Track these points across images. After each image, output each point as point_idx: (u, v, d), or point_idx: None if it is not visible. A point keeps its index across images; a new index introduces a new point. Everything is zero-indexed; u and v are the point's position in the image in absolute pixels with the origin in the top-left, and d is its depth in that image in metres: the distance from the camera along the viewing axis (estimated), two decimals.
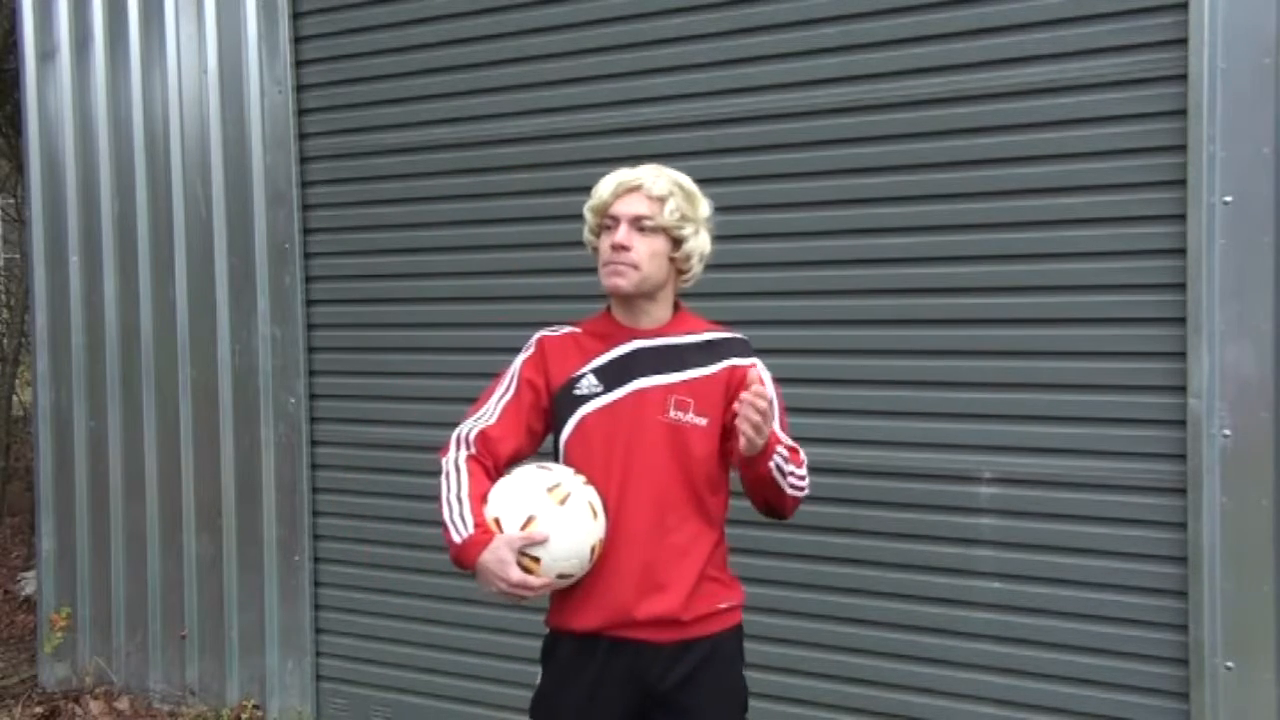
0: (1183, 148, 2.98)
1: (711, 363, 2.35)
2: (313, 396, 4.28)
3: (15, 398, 7.41)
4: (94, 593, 4.71)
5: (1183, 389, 3.01)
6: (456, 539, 2.20)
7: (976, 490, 3.28)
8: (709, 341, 2.39)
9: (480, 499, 2.24)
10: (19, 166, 6.47)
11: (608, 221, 2.35)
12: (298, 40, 4.21)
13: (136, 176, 4.53)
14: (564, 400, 2.36)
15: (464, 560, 2.20)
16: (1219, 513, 2.97)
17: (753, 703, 2.50)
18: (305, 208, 4.24)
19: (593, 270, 3.94)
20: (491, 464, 2.32)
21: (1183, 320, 3.00)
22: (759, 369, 2.36)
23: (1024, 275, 3.20)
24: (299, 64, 4.21)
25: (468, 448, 2.32)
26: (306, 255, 4.25)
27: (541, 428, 2.40)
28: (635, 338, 2.37)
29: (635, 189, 2.33)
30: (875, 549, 3.38)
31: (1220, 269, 2.94)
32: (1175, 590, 3.06)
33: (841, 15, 3.36)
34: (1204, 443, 2.98)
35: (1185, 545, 3.03)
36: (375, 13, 4.07)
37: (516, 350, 3.85)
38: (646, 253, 2.31)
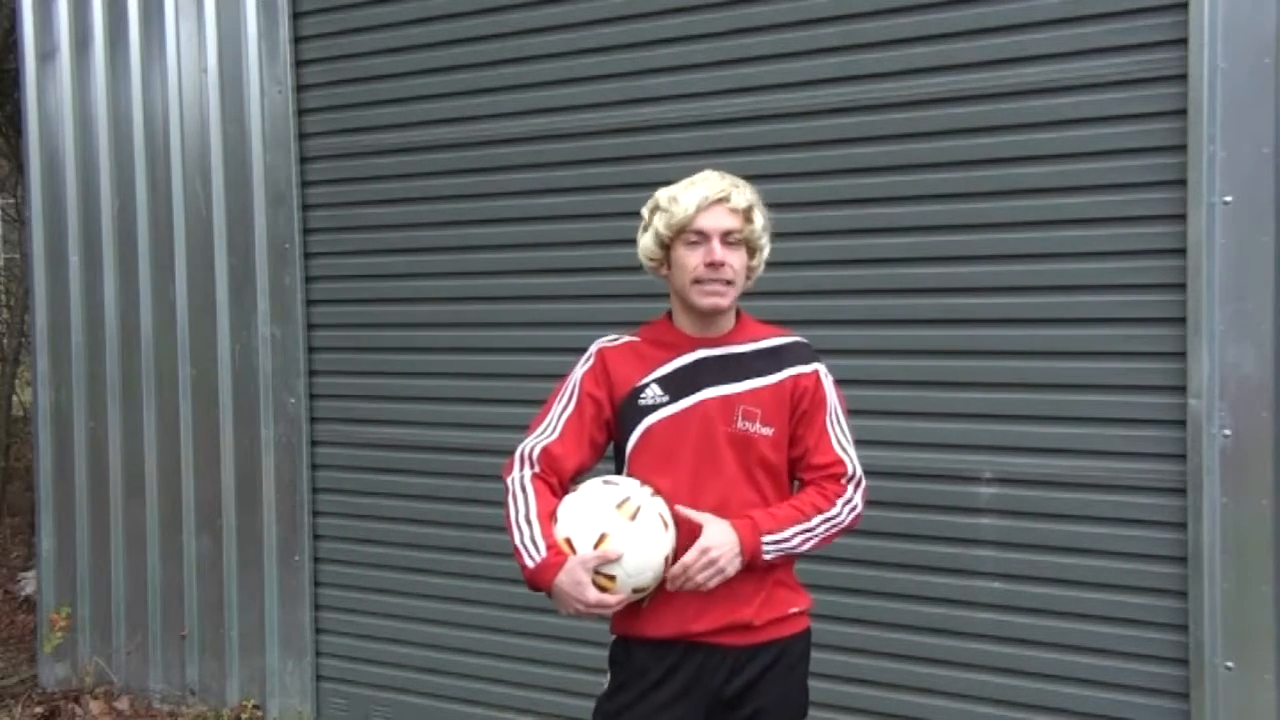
0: (1183, 148, 2.98)
1: (775, 371, 2.34)
2: (313, 396, 4.28)
3: (15, 398, 7.41)
4: (94, 593, 4.71)
5: (1183, 389, 3.01)
6: (530, 564, 2.18)
7: (977, 490, 3.28)
8: (772, 349, 2.37)
9: (549, 518, 2.23)
10: (19, 166, 6.46)
11: (692, 237, 2.27)
12: (298, 40, 4.21)
13: (136, 176, 4.52)
14: (628, 411, 2.33)
15: (539, 584, 2.18)
16: (1219, 513, 2.97)
17: None
18: (305, 208, 4.24)
19: (593, 270, 3.94)
20: (557, 481, 2.30)
21: (1183, 320, 3.00)
22: (821, 374, 2.37)
23: (1024, 275, 3.20)
24: (299, 64, 4.21)
25: (532, 466, 2.30)
26: (306, 255, 4.25)
27: (604, 439, 2.38)
28: (700, 347, 2.34)
29: (721, 201, 2.27)
30: (875, 549, 3.38)
31: (1220, 269, 2.94)
32: (1175, 590, 3.05)
33: (841, 15, 3.36)
34: (1204, 443, 2.98)
35: (1185, 545, 3.03)
36: (375, 13, 4.07)
37: (516, 350, 3.88)
38: (739, 267, 2.29)
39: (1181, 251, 2.99)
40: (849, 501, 2.35)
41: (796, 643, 2.39)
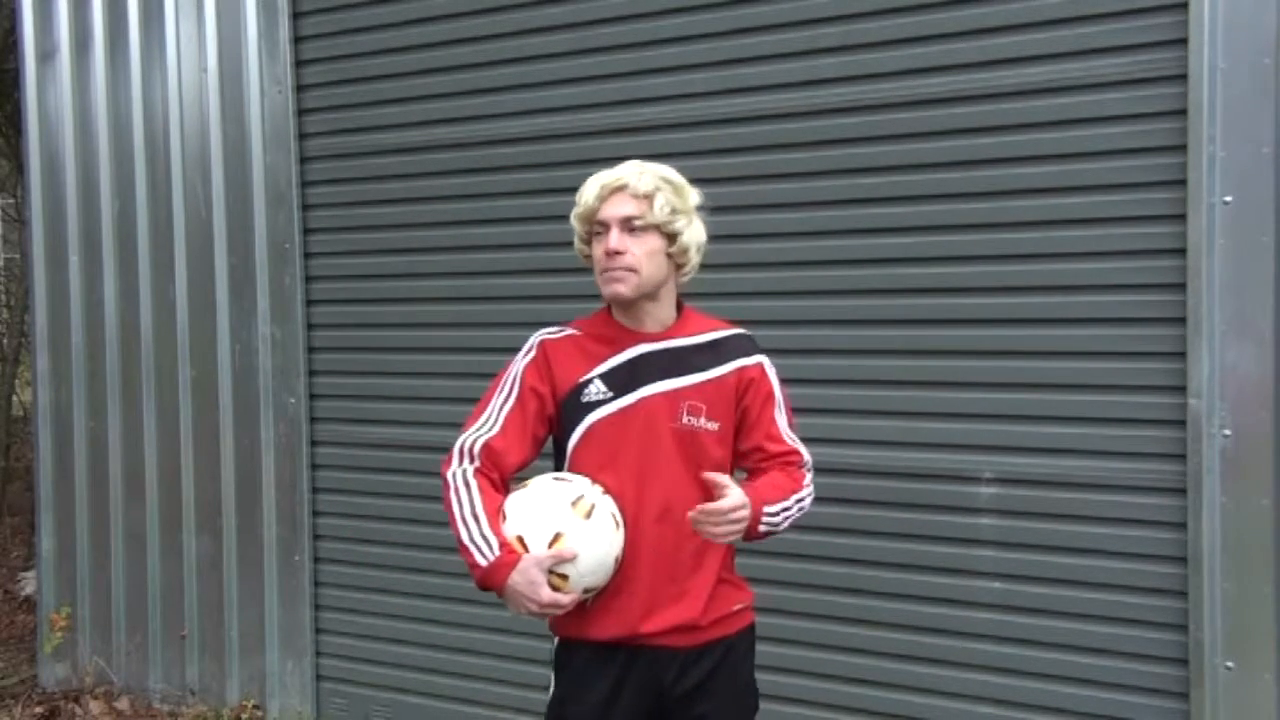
0: (1183, 148, 2.98)
1: (718, 364, 2.31)
2: (313, 396, 4.28)
3: (15, 398, 7.41)
4: (94, 593, 4.71)
5: (1183, 389, 3.01)
6: (481, 562, 2.12)
7: (977, 490, 3.28)
8: (714, 342, 2.34)
9: (496, 514, 2.18)
10: (19, 166, 6.47)
11: (597, 228, 2.26)
12: (298, 40, 4.21)
13: (136, 176, 4.53)
14: (571, 406, 2.28)
15: (491, 583, 2.13)
16: (1219, 513, 2.97)
17: None
18: (305, 208, 4.24)
19: (592, 270, 3.94)
20: (498, 476, 2.24)
21: (1183, 320, 3.00)
22: (765, 366, 2.36)
23: (1024, 275, 3.20)
24: (299, 64, 4.21)
25: (472, 460, 2.24)
26: (306, 255, 4.25)
27: (545, 434, 2.33)
28: (640, 342, 2.30)
29: (620, 189, 2.25)
30: (875, 549, 3.38)
31: (1220, 269, 2.94)
32: (1175, 590, 3.05)
33: (841, 15, 3.36)
34: (1204, 443, 2.98)
35: (1185, 545, 3.03)
36: (375, 13, 4.07)
37: (516, 350, 3.88)
38: (643, 254, 2.23)
39: (1181, 251, 2.99)
40: (809, 486, 2.36)
41: (742, 638, 2.37)
